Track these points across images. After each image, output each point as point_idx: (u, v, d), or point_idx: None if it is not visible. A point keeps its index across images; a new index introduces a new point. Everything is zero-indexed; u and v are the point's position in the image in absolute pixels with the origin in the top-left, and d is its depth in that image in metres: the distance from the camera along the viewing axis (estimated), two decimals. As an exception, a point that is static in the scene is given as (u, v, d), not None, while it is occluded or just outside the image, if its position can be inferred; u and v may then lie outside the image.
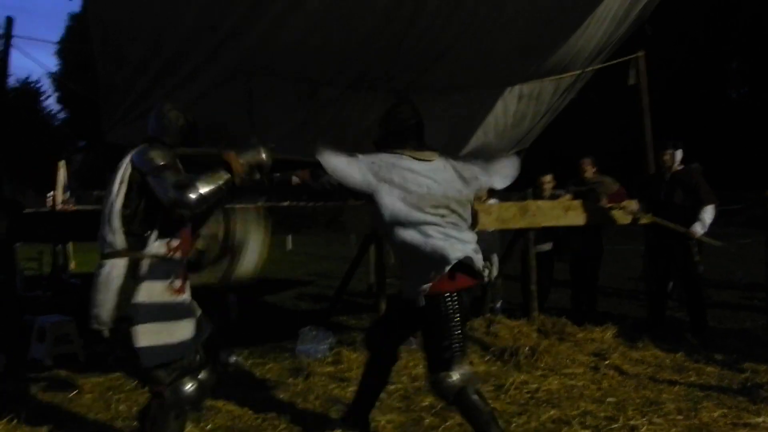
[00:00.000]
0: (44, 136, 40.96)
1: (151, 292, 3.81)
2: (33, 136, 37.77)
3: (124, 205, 3.79)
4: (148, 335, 3.79)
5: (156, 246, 3.84)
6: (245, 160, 3.90)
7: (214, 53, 6.46)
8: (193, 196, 3.69)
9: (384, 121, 4.54)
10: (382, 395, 5.57)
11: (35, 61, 18.58)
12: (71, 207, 7.72)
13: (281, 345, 7.48)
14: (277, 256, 18.85)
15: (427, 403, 5.39)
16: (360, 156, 4.22)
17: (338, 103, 7.68)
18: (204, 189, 3.72)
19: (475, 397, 4.14)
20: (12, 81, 38.14)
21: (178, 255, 3.96)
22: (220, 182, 3.79)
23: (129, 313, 3.75)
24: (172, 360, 3.84)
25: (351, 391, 5.71)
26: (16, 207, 6.55)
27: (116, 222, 3.79)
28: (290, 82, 7.23)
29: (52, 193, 9.20)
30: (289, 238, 21.95)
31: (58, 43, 40.65)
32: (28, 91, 44.82)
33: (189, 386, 3.90)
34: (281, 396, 5.69)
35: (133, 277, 3.78)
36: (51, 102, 60.42)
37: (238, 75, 6.84)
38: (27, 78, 45.19)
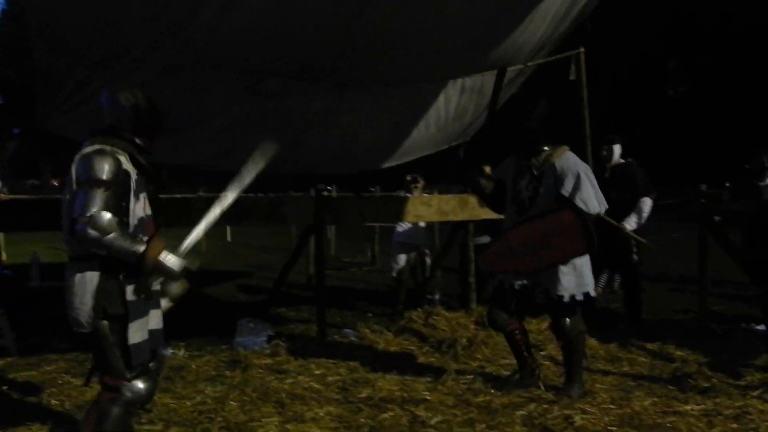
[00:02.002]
0: (-25, 123, 39.82)
1: (134, 289, 3.78)
2: (-37, 122, 36.72)
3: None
4: (139, 332, 3.81)
5: None
6: (162, 266, 3.70)
7: (155, 43, 6.34)
8: (93, 235, 3.53)
9: None
10: (320, 387, 5.60)
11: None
12: (4, 196, 7.52)
13: (218, 337, 7.42)
14: (216, 248, 18.68)
15: (364, 395, 5.40)
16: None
17: (282, 93, 7.62)
18: (110, 241, 3.56)
19: None
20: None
21: None
22: (128, 252, 3.60)
23: (114, 312, 3.71)
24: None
25: (289, 383, 5.70)
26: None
27: None
28: (233, 73, 7.15)
29: (-18, 182, 8.96)
30: (229, 229, 21.76)
31: (-9, 26, 39.52)
32: (-41, 75, 43.49)
33: (144, 383, 3.86)
34: (218, 388, 5.64)
35: (110, 277, 3.70)
36: (-17, 87, 58.70)
37: (180, 66, 6.74)
38: (-43, 62, 43.88)
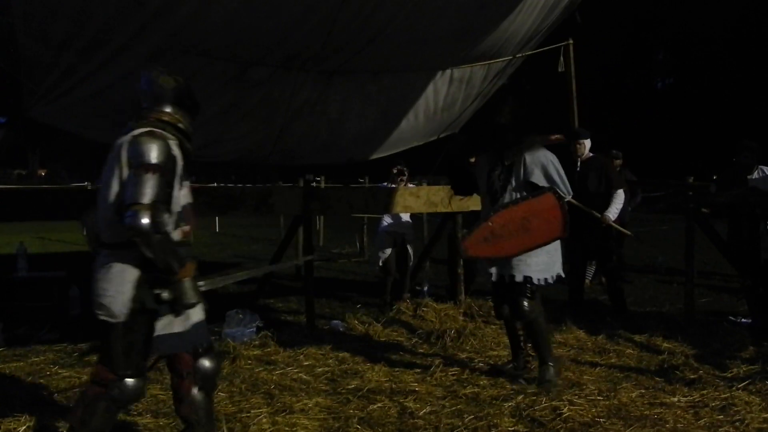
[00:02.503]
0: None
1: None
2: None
3: None
4: (166, 326, 3.79)
5: (174, 234, 3.66)
6: (182, 289, 3.61)
7: (141, 30, 6.30)
8: (144, 226, 3.37)
9: None
10: (309, 378, 5.59)
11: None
12: (-11, 186, 7.46)
13: (207, 328, 7.39)
14: (205, 238, 18.63)
15: (353, 386, 5.41)
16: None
17: (268, 84, 7.58)
18: (157, 240, 3.42)
19: None
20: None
21: (190, 239, 3.89)
22: (165, 259, 3.48)
23: (150, 306, 3.64)
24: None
25: (277, 374, 5.70)
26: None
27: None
28: (218, 62, 7.11)
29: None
30: (217, 219, 21.70)
31: (-24, 14, 39.13)
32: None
33: (134, 383, 3.78)
34: (207, 379, 5.61)
35: (151, 270, 3.58)
36: (-32, 76, 58.23)
37: (166, 54, 6.69)
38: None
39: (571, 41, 8.59)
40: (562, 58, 8.67)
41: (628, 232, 7.61)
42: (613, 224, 7.68)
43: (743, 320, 7.77)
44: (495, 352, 6.43)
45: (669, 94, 39.53)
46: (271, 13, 6.35)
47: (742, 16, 33.65)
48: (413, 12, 6.59)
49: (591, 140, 8.08)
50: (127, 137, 3.60)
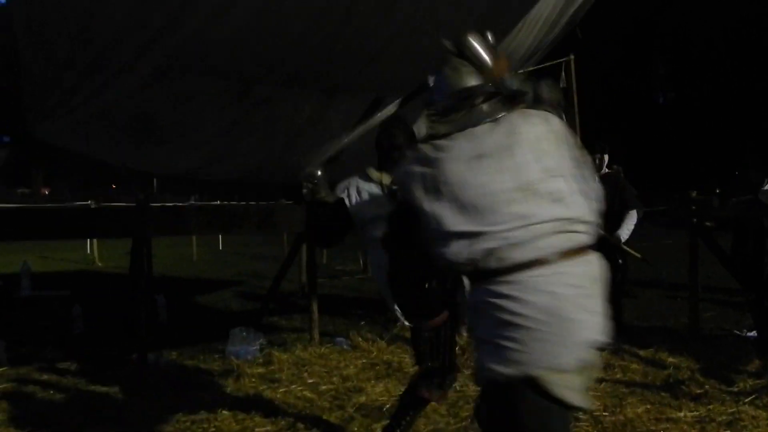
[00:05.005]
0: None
1: None
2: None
3: None
4: None
5: None
6: None
7: (144, 49, 6.33)
8: None
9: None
10: (313, 396, 5.58)
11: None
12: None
13: (211, 346, 7.39)
14: (208, 256, 18.64)
15: (357, 404, 5.39)
16: None
17: (271, 101, 7.62)
18: None
19: None
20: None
21: None
22: None
23: None
24: None
25: (281, 392, 5.69)
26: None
27: None
28: (221, 81, 7.14)
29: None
30: (220, 237, 21.70)
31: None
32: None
33: None
34: (210, 398, 5.61)
35: None
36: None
37: (169, 72, 6.73)
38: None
39: (572, 56, 8.62)
40: (563, 74, 8.69)
41: (638, 254, 7.57)
42: (624, 246, 7.61)
43: (749, 334, 7.74)
44: (499, 369, 6.41)
45: (670, 107, 39.65)
46: (274, 30, 6.39)
47: (742, 26, 33.73)
48: (414, 31, 6.63)
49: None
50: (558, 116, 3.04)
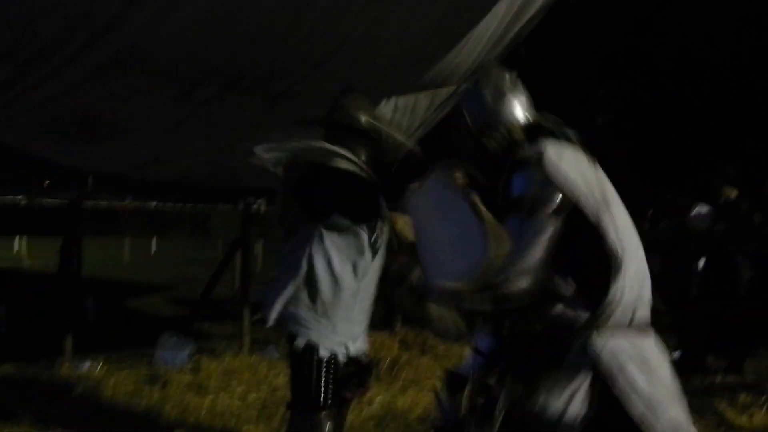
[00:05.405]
0: None
1: None
2: None
3: None
4: None
5: None
6: None
7: (88, 45, 6.19)
8: None
9: None
10: (241, 405, 5.51)
11: None
12: None
13: (139, 352, 7.24)
14: (141, 259, 18.30)
15: (284, 414, 5.33)
16: None
17: (213, 104, 7.53)
18: None
19: None
20: None
21: None
22: None
23: None
24: None
25: (209, 400, 5.59)
26: None
27: None
28: (164, 81, 7.04)
29: None
30: (154, 240, 21.33)
31: None
32: None
33: None
34: (135, 405, 5.50)
35: None
36: None
37: (111, 70, 6.60)
38: None
39: (515, 73, 8.72)
40: (505, 90, 8.78)
41: None
42: None
43: (673, 353, 7.91)
44: (431, 382, 6.41)
45: (609, 128, 40.68)
46: (220, 33, 6.32)
47: (683, 54, 34.74)
48: (361, 41, 6.63)
49: None
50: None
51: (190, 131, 7.71)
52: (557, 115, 3.37)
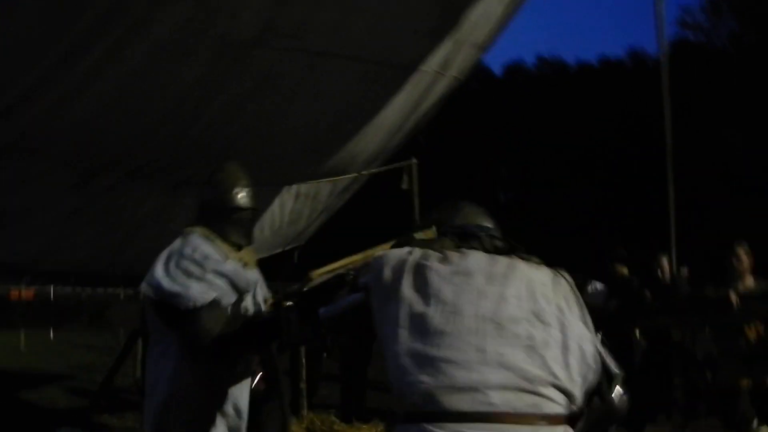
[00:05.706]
0: None
1: None
2: None
3: None
4: None
5: None
6: None
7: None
8: None
9: None
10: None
11: None
12: None
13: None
14: (37, 346, 17.57)
15: None
16: None
17: (113, 192, 7.48)
18: None
19: None
20: None
21: None
22: None
23: None
24: None
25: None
26: None
27: None
28: (63, 168, 6.97)
29: None
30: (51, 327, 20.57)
31: None
32: None
33: None
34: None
35: None
36: None
37: (13, 152, 6.51)
38: None
39: (414, 161, 8.99)
40: (406, 176, 9.03)
41: None
42: None
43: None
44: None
45: (512, 205, 42.21)
46: (124, 122, 6.35)
47: (577, 139, 36.41)
48: (263, 131, 6.78)
49: None
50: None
51: (89, 219, 7.62)
52: (463, 194, 3.45)
